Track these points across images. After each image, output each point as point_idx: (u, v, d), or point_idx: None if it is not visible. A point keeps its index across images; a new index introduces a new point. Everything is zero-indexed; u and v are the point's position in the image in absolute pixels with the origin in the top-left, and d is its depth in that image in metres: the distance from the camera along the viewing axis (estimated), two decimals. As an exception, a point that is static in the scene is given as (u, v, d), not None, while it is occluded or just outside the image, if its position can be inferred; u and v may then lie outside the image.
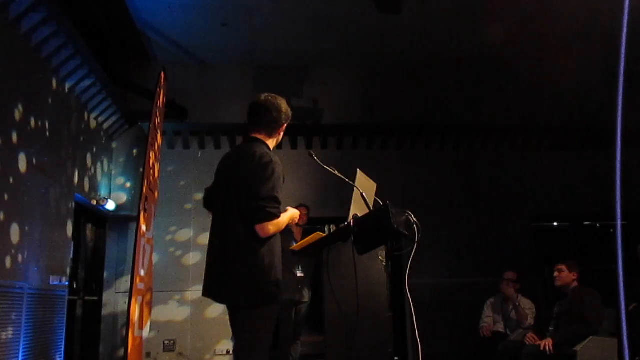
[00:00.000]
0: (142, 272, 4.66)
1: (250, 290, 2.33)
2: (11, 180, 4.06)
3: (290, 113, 2.63)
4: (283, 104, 2.58)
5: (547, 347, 4.14)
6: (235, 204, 2.41)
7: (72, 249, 5.42)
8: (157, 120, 5.23)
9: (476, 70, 7.32)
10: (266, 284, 2.34)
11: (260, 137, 2.58)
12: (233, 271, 2.35)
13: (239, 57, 7.01)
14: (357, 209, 2.72)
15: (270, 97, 2.58)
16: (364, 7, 5.84)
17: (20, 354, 4.10)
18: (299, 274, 5.26)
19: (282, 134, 2.66)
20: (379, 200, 2.86)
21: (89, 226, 6.24)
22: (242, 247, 2.36)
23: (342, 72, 7.38)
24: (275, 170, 2.41)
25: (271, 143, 2.61)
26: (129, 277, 5.14)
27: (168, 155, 6.69)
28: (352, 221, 2.67)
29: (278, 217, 2.38)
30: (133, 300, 4.29)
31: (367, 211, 2.70)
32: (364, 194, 2.74)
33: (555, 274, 4.58)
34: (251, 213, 2.36)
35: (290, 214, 2.58)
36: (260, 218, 2.34)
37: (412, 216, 2.64)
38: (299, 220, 5.07)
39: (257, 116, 2.58)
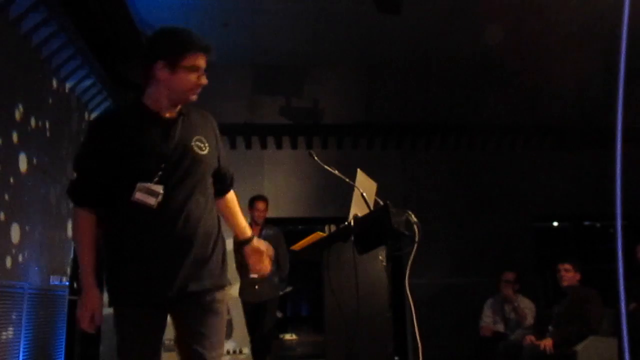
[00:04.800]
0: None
1: None
2: (11, 180, 4.06)
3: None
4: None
5: (547, 347, 4.14)
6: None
7: (72, 249, 5.42)
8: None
9: (476, 70, 7.32)
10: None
11: None
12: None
13: (239, 57, 7.01)
14: (357, 209, 2.72)
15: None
16: (364, 7, 5.84)
17: (21, 354, 4.10)
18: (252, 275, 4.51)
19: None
20: (379, 200, 2.86)
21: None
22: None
23: (342, 72, 7.38)
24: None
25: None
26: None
27: (168, 155, 6.67)
28: (352, 221, 2.67)
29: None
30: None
31: (367, 211, 2.70)
32: (364, 194, 2.74)
33: (562, 273, 4.51)
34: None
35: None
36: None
37: (412, 216, 2.65)
38: (257, 216, 4.98)
39: None
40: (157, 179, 1.78)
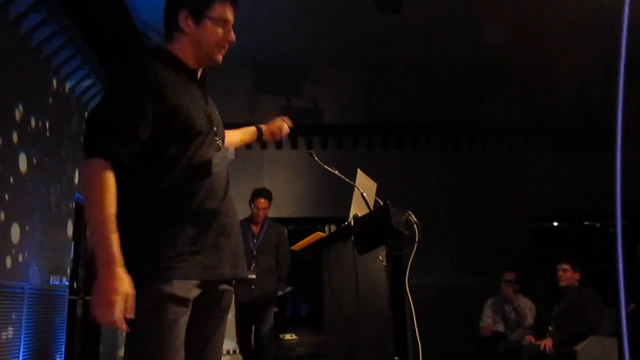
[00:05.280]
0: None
1: None
2: (11, 180, 4.06)
3: None
4: None
5: (547, 347, 4.15)
6: None
7: (72, 248, 5.42)
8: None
9: (476, 70, 7.32)
10: None
11: None
12: None
13: (239, 57, 7.01)
14: (357, 209, 2.72)
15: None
16: (364, 6, 5.84)
17: (21, 354, 4.10)
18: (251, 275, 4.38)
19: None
20: (379, 200, 2.86)
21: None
22: None
23: (342, 72, 7.38)
24: None
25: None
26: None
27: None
28: (352, 221, 2.67)
29: None
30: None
31: (367, 211, 2.70)
32: (364, 194, 2.74)
33: (560, 273, 4.54)
34: None
35: None
36: None
37: (412, 216, 2.64)
38: (256, 214, 4.80)
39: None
40: (219, 140, 1.62)
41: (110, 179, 1.41)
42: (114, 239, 1.36)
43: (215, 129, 1.62)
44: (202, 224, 1.50)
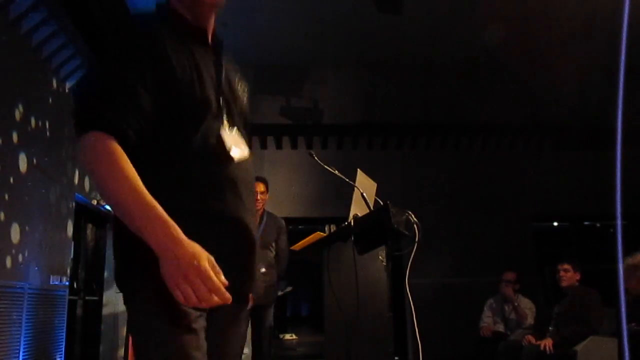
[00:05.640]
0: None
1: None
2: (11, 180, 4.06)
3: None
4: None
5: (547, 347, 4.15)
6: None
7: (72, 249, 5.42)
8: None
9: (476, 70, 7.32)
10: None
11: None
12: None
13: (239, 57, 6.99)
14: (357, 209, 2.72)
15: None
16: (364, 6, 5.84)
17: (21, 354, 4.10)
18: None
19: None
20: (379, 200, 2.86)
21: (90, 226, 6.24)
22: None
23: (342, 72, 7.38)
24: None
25: None
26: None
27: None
28: (352, 221, 2.67)
29: None
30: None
31: (367, 211, 2.70)
32: (364, 194, 2.74)
33: (561, 273, 4.54)
34: None
35: None
36: None
37: (412, 216, 2.64)
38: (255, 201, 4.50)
39: None
40: (230, 119, 1.31)
41: (118, 148, 1.13)
42: (157, 207, 1.08)
43: (226, 104, 1.32)
44: (210, 229, 1.20)
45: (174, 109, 1.21)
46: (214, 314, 1.23)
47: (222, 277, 1.05)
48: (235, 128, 1.34)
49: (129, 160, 1.13)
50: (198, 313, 1.17)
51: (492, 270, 5.96)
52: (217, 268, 1.06)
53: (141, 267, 1.14)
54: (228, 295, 1.05)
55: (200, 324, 1.18)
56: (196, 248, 1.06)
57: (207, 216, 1.21)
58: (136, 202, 1.09)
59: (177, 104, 1.21)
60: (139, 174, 1.13)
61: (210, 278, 1.03)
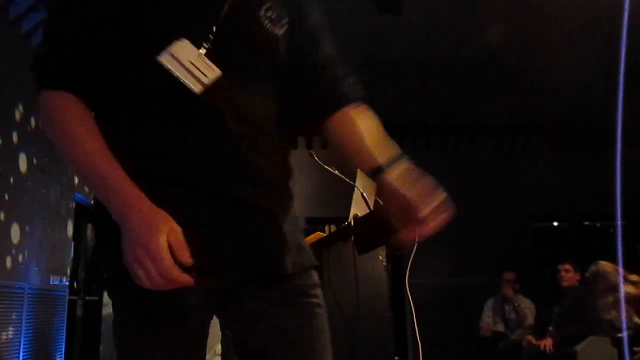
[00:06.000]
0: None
1: None
2: (11, 180, 4.06)
3: None
4: None
5: (547, 347, 4.15)
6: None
7: (72, 249, 5.42)
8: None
9: (476, 70, 7.32)
10: None
11: None
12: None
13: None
14: (357, 209, 2.72)
15: None
16: (364, 7, 5.83)
17: (21, 354, 4.10)
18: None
19: None
20: (379, 200, 2.86)
21: (90, 226, 6.23)
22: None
23: (342, 72, 7.38)
24: None
25: None
26: (129, 277, 5.16)
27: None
28: (352, 221, 2.67)
29: None
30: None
31: (368, 211, 2.70)
32: (364, 194, 2.74)
33: (562, 273, 4.54)
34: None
35: None
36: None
37: (412, 216, 2.64)
38: None
39: None
40: (205, 48, 0.97)
41: (71, 105, 0.96)
42: (116, 170, 0.92)
43: (215, 29, 0.98)
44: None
45: (129, 37, 0.96)
46: (227, 300, 1.02)
47: (185, 255, 0.87)
48: (233, 61, 1.00)
49: (86, 117, 0.97)
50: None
51: (492, 270, 5.96)
52: (180, 243, 0.87)
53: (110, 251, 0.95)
54: (184, 278, 0.86)
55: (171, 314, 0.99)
56: (155, 218, 0.87)
57: (172, 179, 0.96)
58: (91, 166, 0.94)
59: (131, 31, 0.96)
60: (107, 132, 0.96)
61: (156, 258, 0.84)
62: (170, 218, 0.89)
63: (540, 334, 4.44)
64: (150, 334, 1.04)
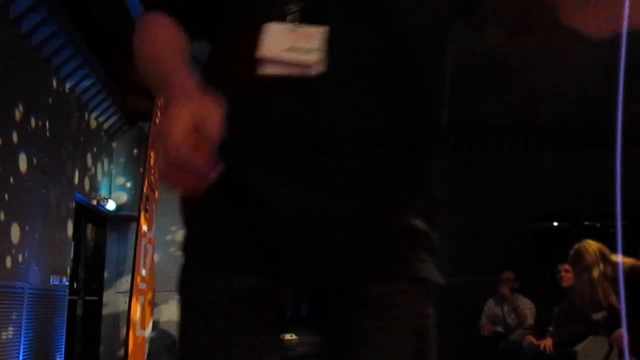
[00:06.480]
0: (144, 272, 4.66)
1: None
2: (11, 180, 4.06)
3: None
4: None
5: (547, 347, 4.15)
6: None
7: (72, 249, 5.43)
8: (158, 120, 5.24)
9: (476, 70, 7.31)
10: None
11: None
12: None
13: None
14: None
15: None
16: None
17: (21, 354, 4.10)
18: None
19: None
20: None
21: (90, 226, 6.24)
22: None
23: (342, 72, 7.37)
24: None
25: None
26: (130, 277, 5.15)
27: (168, 155, 6.68)
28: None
29: None
30: (134, 300, 4.29)
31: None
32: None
33: (562, 273, 4.53)
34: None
35: None
36: None
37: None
38: None
39: None
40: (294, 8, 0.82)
41: (158, 19, 0.91)
42: (182, 65, 0.83)
43: None
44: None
45: None
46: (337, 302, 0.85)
47: (209, 149, 0.67)
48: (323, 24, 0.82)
49: (170, 29, 0.90)
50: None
51: (492, 270, 5.95)
52: (213, 124, 0.67)
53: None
54: (194, 159, 0.66)
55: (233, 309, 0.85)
56: (189, 104, 0.70)
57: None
58: (157, 74, 0.86)
59: None
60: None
61: (167, 149, 0.66)
62: (214, 103, 0.70)
63: (540, 334, 4.44)
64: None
